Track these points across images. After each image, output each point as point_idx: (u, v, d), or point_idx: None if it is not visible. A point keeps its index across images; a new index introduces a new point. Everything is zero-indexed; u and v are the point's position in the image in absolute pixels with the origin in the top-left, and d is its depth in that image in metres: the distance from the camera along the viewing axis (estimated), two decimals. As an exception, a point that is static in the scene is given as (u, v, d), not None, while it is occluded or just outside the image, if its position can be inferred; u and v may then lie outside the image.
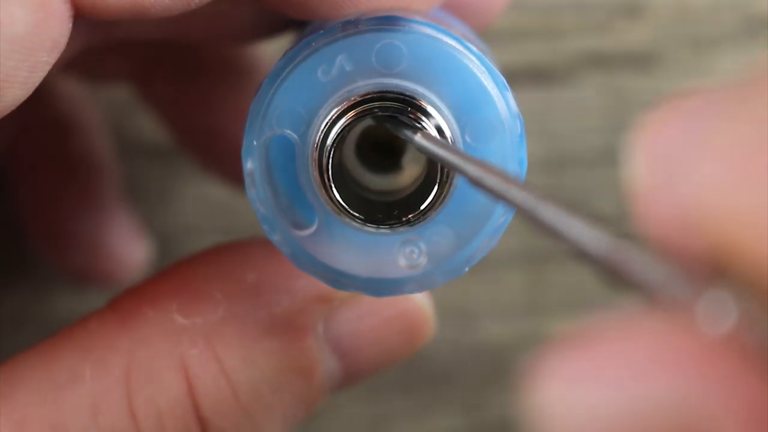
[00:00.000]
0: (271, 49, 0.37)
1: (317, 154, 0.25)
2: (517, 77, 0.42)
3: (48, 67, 0.25)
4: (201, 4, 0.26)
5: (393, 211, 0.26)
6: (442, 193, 0.25)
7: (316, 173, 0.25)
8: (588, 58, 0.43)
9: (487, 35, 0.31)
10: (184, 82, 0.38)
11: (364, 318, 0.29)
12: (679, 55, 0.43)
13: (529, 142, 0.26)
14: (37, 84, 0.25)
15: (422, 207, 0.25)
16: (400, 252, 0.26)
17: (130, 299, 0.28)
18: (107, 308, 0.28)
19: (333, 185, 0.25)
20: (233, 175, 0.40)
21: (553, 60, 0.43)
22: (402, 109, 0.25)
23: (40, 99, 0.29)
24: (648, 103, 0.43)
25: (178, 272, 0.28)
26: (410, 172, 0.27)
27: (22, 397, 0.26)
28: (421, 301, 0.29)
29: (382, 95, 0.25)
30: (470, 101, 0.25)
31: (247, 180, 0.26)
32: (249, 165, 0.26)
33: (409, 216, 0.25)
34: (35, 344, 0.28)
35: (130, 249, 0.41)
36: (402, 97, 0.25)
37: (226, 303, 0.28)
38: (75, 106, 0.39)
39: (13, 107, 0.25)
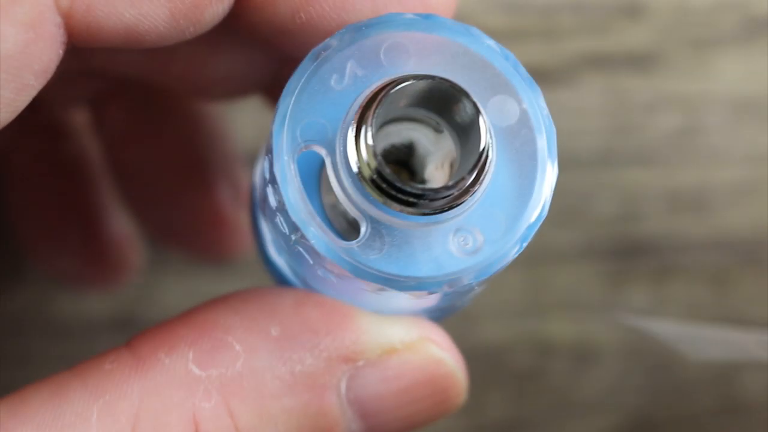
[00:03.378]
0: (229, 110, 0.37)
1: (357, 151, 0.25)
2: (516, 79, 0.42)
3: (35, 92, 0.25)
4: (195, 34, 0.26)
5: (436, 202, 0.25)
6: (481, 176, 0.25)
7: (367, 159, 0.24)
8: (587, 59, 0.43)
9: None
10: (137, 117, 0.37)
11: (389, 380, 0.27)
12: (678, 55, 0.43)
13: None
14: (22, 108, 0.25)
15: (466, 186, 0.25)
16: (453, 242, 0.26)
17: (148, 341, 0.27)
18: (125, 347, 0.27)
19: (385, 168, 0.24)
20: (151, 223, 0.39)
21: (553, 61, 0.43)
22: (459, 90, 0.25)
23: (33, 103, 0.28)
24: (647, 103, 0.43)
25: (199, 317, 0.27)
26: (436, 180, 0.26)
27: None
28: (451, 366, 0.28)
29: (424, 78, 0.25)
30: (485, 82, 0.26)
31: (289, 204, 0.25)
32: (284, 186, 0.25)
33: (456, 198, 0.25)
34: (49, 376, 0.27)
35: (124, 253, 0.40)
36: (434, 80, 0.25)
37: (246, 356, 0.26)
38: (67, 111, 0.39)
39: None
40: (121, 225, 0.40)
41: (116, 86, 0.37)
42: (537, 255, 0.44)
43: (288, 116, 0.25)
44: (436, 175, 0.26)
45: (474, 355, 0.44)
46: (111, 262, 0.40)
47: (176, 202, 0.38)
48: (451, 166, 0.26)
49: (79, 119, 0.39)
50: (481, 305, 0.44)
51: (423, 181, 0.26)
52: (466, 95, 0.25)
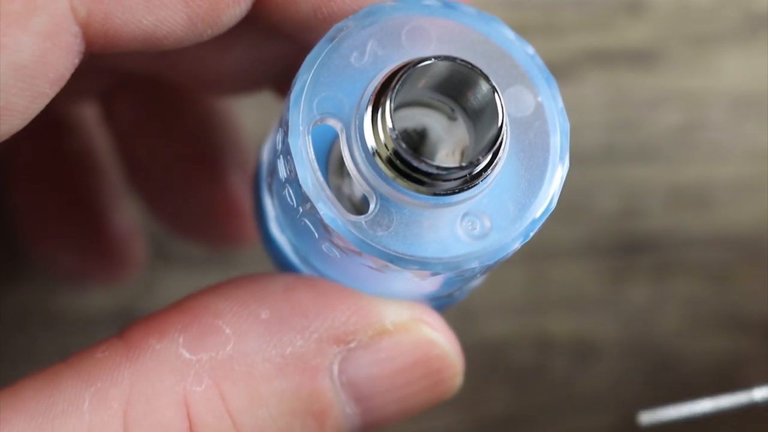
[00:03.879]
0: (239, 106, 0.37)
1: (373, 126, 0.25)
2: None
3: (48, 100, 0.25)
4: (213, 36, 0.26)
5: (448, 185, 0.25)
6: (495, 159, 0.25)
7: (382, 136, 0.25)
8: (589, 56, 0.43)
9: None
10: (147, 110, 0.37)
11: (382, 362, 0.27)
12: (679, 52, 0.43)
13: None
14: (36, 114, 0.25)
15: (479, 168, 0.25)
16: (461, 226, 0.26)
17: (140, 329, 0.27)
18: (117, 337, 0.27)
19: (403, 145, 0.24)
20: (165, 213, 0.39)
21: (554, 57, 0.43)
22: (474, 69, 0.25)
23: None
24: (649, 100, 0.43)
25: (190, 304, 0.27)
26: (448, 162, 0.26)
27: (21, 424, 0.26)
28: (445, 347, 0.28)
29: (434, 61, 0.25)
30: (502, 71, 0.26)
31: (301, 174, 0.25)
32: (298, 157, 0.25)
33: (469, 180, 0.25)
34: (42, 370, 0.27)
35: (127, 248, 0.40)
36: (455, 61, 0.25)
37: (236, 339, 0.26)
38: (70, 108, 0.39)
39: (9, 135, 0.25)
40: (125, 220, 0.40)
41: (126, 81, 0.37)
42: (538, 251, 0.44)
43: (306, 88, 0.25)
44: (446, 162, 0.26)
45: (475, 351, 0.44)
46: (114, 257, 0.40)
47: (189, 192, 0.38)
48: (462, 154, 0.26)
49: (88, 114, 0.39)
50: (482, 301, 0.44)
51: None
52: (486, 77, 0.25)
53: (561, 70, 0.43)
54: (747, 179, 0.44)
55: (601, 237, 0.44)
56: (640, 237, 0.44)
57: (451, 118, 0.26)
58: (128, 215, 0.41)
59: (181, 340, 0.26)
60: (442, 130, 0.26)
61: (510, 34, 0.26)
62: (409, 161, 0.24)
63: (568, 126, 0.26)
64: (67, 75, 0.25)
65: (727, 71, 0.43)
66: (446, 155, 0.26)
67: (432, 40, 0.25)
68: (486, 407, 0.45)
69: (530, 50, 0.26)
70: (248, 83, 0.31)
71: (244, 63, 0.30)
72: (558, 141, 0.26)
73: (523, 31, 0.43)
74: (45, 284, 0.42)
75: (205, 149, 0.38)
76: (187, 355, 0.26)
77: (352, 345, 0.27)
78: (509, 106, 0.26)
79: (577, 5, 0.43)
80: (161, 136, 0.37)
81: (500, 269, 0.44)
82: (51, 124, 0.39)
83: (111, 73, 0.35)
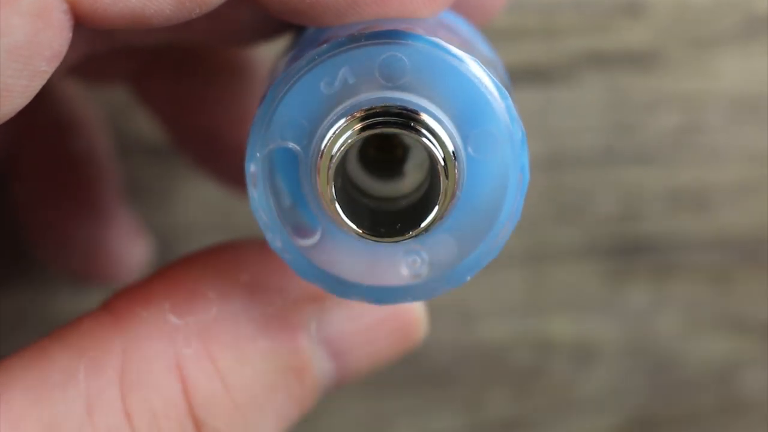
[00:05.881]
0: (269, 51, 0.37)
1: (320, 167, 0.25)
2: (516, 77, 0.42)
3: (47, 76, 0.25)
4: (201, 14, 0.26)
5: (396, 224, 0.25)
6: (444, 207, 0.25)
7: (319, 187, 0.25)
8: (588, 58, 0.43)
9: (486, 35, 0.31)
10: (181, 81, 0.38)
11: (356, 318, 0.29)
12: (679, 54, 0.43)
13: (528, 142, 0.26)
14: (36, 92, 0.25)
15: (424, 223, 0.25)
16: (403, 261, 0.26)
17: (124, 300, 0.28)
18: (100, 309, 0.28)
19: (337, 199, 0.25)
20: (229, 175, 0.40)
21: (553, 59, 0.43)
22: (405, 124, 0.25)
23: (40, 100, 0.29)
24: (648, 102, 0.43)
25: (172, 273, 0.28)
26: (413, 178, 0.27)
27: (17, 397, 0.26)
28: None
29: (385, 109, 0.25)
30: (472, 113, 0.25)
31: (250, 190, 0.26)
32: (252, 176, 0.26)
33: (411, 232, 0.25)
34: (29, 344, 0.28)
35: (130, 248, 0.41)
36: (405, 111, 0.25)
37: (220, 302, 0.28)
38: (75, 106, 0.39)
39: (12, 115, 0.25)
40: (128, 220, 0.40)
41: (150, 59, 0.37)
42: (537, 253, 0.44)
43: (270, 113, 0.26)
44: (411, 173, 0.27)
45: (474, 354, 0.44)
46: (117, 257, 0.40)
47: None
48: (429, 166, 0.26)
49: (91, 114, 0.40)
50: (481, 303, 0.44)
51: (402, 171, 0.27)
52: (433, 153, 0.25)
53: (559, 73, 0.43)
54: (746, 181, 0.44)
55: (601, 239, 0.44)
56: (639, 239, 0.44)
57: None
58: (132, 215, 0.41)
59: (167, 306, 0.28)
60: (412, 139, 0.26)
61: (482, 74, 0.26)
62: (344, 220, 0.25)
63: (527, 179, 0.26)
64: (63, 51, 0.25)
65: (726, 73, 0.43)
66: (414, 165, 0.26)
67: (407, 72, 0.25)
68: (485, 410, 0.45)
69: (505, 101, 0.26)
70: (270, 27, 0.31)
71: (257, 17, 0.30)
72: (514, 189, 0.26)
73: (521, 33, 0.43)
74: (45, 284, 0.42)
75: (249, 102, 0.38)
76: (174, 320, 0.27)
77: (327, 303, 0.28)
78: (473, 147, 0.26)
79: (576, 7, 0.43)
80: (204, 101, 0.38)
81: (500, 271, 0.44)
82: (55, 124, 0.39)
83: (132, 54, 0.36)
